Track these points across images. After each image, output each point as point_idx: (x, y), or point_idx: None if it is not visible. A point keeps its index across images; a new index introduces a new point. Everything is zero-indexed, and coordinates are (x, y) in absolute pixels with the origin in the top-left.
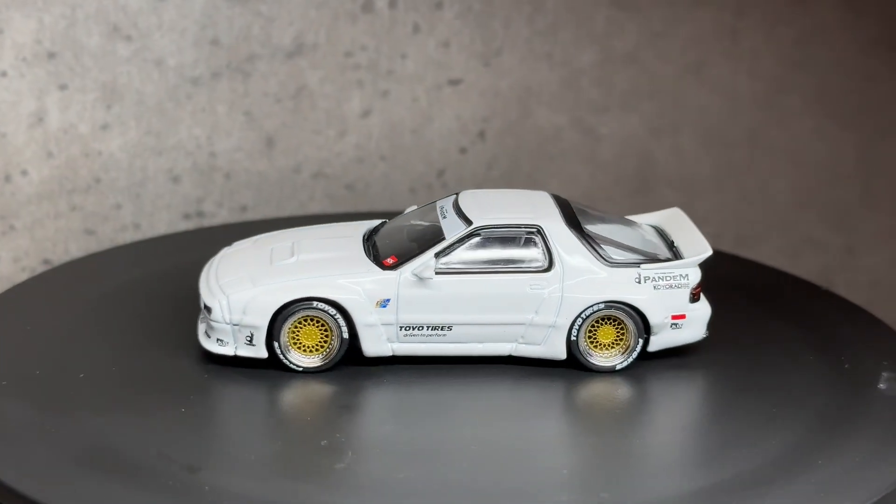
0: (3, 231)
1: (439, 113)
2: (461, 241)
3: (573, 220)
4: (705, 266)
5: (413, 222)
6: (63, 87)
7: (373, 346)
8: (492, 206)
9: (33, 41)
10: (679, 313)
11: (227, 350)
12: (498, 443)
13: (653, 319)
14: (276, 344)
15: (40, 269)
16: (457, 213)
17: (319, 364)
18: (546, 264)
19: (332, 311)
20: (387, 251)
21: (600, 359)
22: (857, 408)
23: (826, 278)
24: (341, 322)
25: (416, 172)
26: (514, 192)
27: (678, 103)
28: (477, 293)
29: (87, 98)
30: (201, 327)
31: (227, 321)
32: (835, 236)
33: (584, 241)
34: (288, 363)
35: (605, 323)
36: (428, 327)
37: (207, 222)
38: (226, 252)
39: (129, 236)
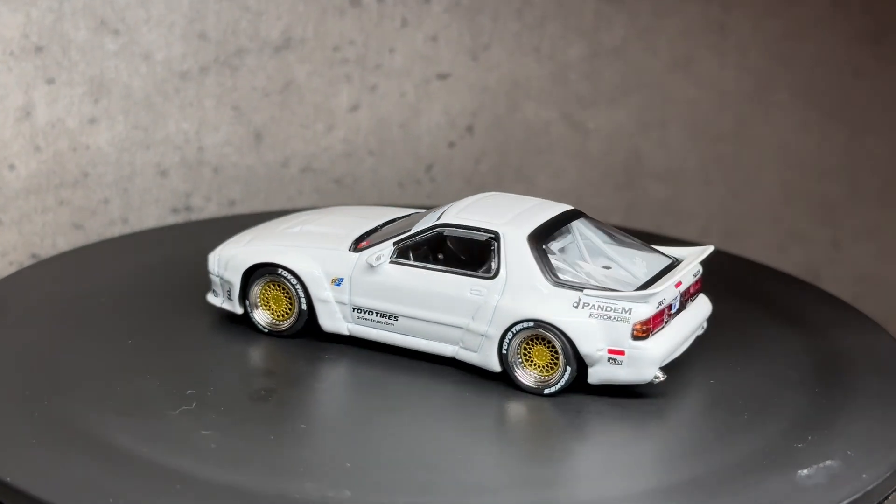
0: None
1: (427, 107)
2: (422, 234)
3: (542, 234)
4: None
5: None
6: (50, 81)
7: (328, 321)
8: (480, 209)
9: (21, 35)
10: (617, 348)
11: (217, 301)
12: (451, 434)
13: (582, 348)
14: (247, 301)
15: (28, 263)
16: (441, 210)
17: (283, 329)
18: (493, 272)
19: (294, 280)
20: (369, 236)
21: (529, 379)
22: (838, 404)
23: (812, 272)
24: (300, 293)
25: (404, 167)
26: (535, 200)
27: (666, 97)
28: (420, 288)
29: (74, 92)
30: None
31: (216, 273)
32: (821, 230)
33: (535, 255)
34: (254, 321)
35: (540, 343)
36: (377, 314)
37: (195, 216)
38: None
39: (117, 230)
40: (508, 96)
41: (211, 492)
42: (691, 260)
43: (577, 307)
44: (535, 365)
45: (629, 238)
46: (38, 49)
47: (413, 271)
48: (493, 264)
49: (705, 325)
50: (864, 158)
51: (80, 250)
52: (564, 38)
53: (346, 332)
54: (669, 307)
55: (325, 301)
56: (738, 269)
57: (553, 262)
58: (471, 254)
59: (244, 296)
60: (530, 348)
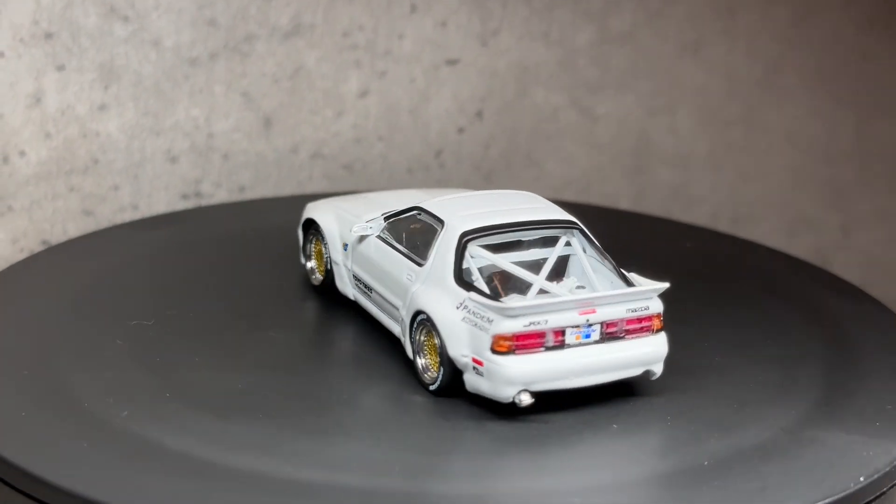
0: (1, 212)
1: (437, 93)
2: (404, 213)
3: (483, 234)
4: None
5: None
6: (60, 68)
7: (339, 283)
8: (465, 199)
9: (31, 22)
10: (478, 358)
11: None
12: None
13: (449, 350)
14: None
15: (38, 249)
16: (452, 195)
17: (317, 284)
18: (425, 260)
19: (323, 239)
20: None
21: (421, 371)
22: (850, 389)
23: (822, 257)
24: (326, 251)
25: (413, 153)
26: (538, 204)
27: (675, 83)
28: (378, 264)
29: (84, 79)
30: None
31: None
32: (831, 215)
33: (457, 251)
34: (307, 270)
35: (432, 338)
36: (363, 283)
37: (205, 202)
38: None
39: (127, 217)
40: (518, 82)
41: (215, 473)
42: (628, 294)
43: (458, 308)
44: (428, 358)
45: (610, 263)
46: (48, 35)
47: (382, 247)
48: (429, 253)
49: (656, 370)
50: (874, 143)
51: (90, 236)
52: (574, 24)
53: (351, 297)
54: (561, 332)
55: (336, 263)
56: (747, 253)
57: (463, 262)
58: (428, 241)
59: (304, 248)
60: (428, 341)
